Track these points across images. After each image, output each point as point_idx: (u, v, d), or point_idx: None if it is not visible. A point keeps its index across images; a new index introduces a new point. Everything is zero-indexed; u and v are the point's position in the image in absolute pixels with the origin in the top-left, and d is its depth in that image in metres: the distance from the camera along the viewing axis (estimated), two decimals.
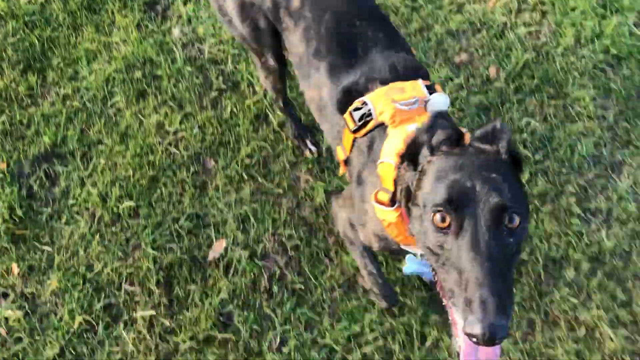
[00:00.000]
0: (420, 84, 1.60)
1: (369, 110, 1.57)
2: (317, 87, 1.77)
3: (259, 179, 2.53)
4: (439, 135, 1.26)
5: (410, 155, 1.30)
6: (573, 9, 2.88)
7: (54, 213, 2.50)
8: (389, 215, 1.43)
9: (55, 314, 2.29)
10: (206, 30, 2.80)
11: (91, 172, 2.52)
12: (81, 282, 2.33)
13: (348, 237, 1.92)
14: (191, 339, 2.24)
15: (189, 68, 2.71)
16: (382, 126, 1.56)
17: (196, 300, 2.32)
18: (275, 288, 2.34)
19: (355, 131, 1.61)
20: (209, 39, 2.78)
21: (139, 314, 2.28)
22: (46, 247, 2.43)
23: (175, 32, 2.80)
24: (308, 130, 2.61)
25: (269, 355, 2.23)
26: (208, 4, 2.85)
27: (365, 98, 1.60)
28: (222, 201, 2.48)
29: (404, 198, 1.35)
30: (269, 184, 2.52)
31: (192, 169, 2.54)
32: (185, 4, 2.87)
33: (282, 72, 2.19)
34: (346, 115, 1.64)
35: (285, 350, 2.24)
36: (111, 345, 2.23)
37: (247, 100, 2.65)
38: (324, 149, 2.59)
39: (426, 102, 1.55)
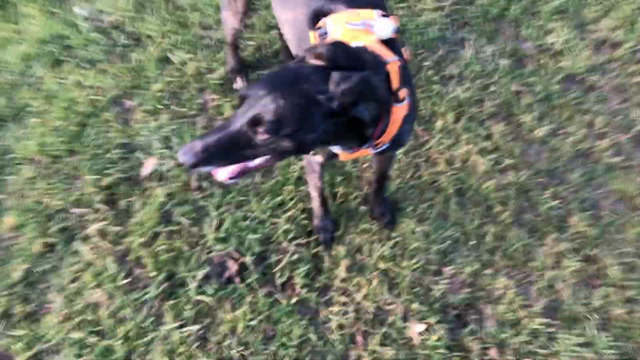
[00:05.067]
0: (374, 12, 1.79)
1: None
2: (292, 10, 2.02)
3: (173, 107, 2.95)
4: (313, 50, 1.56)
5: None
6: None
7: None
8: None
9: (15, 245, 2.57)
10: (104, 4, 3.23)
11: (25, 131, 2.85)
12: (34, 215, 2.63)
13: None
14: (141, 236, 2.59)
15: (94, 34, 3.12)
16: None
17: (138, 208, 2.67)
18: (204, 184, 2.74)
19: None
20: (108, 10, 3.22)
21: (91, 228, 2.61)
22: None
23: (77, 10, 3.22)
24: (244, 67, 3.04)
25: (211, 235, 2.61)
26: None
27: (326, 19, 1.81)
28: (145, 129, 2.87)
29: None
30: (182, 109, 2.94)
31: (113, 110, 2.92)
32: None
33: (243, 17, 2.59)
34: (311, 33, 1.85)
35: (222, 228, 2.63)
36: (72, 259, 2.53)
37: (150, 48, 3.08)
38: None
39: (373, 25, 1.75)
